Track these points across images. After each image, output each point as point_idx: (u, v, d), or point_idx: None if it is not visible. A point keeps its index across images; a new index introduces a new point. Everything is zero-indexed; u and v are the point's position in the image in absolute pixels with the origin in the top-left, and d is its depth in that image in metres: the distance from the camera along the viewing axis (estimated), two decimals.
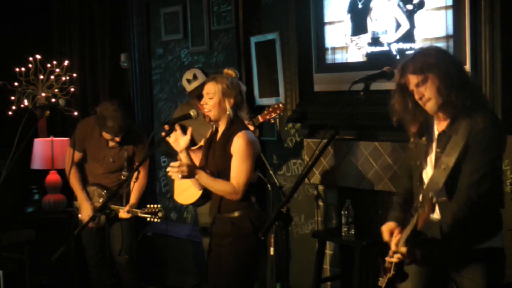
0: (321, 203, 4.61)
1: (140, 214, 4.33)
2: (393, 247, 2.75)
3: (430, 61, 2.74)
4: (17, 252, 5.35)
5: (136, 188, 4.55)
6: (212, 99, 3.55)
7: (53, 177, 5.74)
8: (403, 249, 2.67)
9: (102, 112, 4.51)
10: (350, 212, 4.22)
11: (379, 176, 4.12)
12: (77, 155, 4.70)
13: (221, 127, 3.62)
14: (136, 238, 4.83)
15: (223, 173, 3.56)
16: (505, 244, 2.85)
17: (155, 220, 4.29)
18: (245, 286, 3.61)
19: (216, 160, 3.60)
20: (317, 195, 4.63)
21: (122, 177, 4.58)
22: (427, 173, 2.86)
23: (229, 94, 3.54)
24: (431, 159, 2.86)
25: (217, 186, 3.53)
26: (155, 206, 4.31)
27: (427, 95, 2.76)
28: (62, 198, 5.73)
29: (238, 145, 3.49)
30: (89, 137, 4.67)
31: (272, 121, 4.47)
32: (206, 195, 4.55)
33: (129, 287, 4.78)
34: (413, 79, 2.77)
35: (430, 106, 2.78)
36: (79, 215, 4.66)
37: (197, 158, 3.88)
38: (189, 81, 4.70)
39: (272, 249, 4.57)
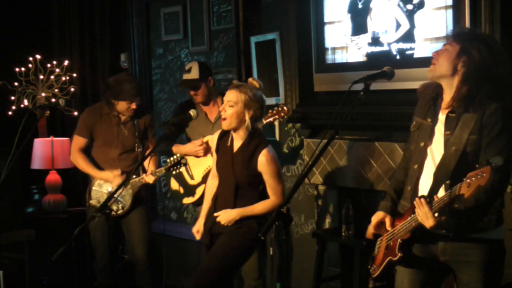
0: (321, 203, 4.61)
1: (164, 170, 4.42)
2: (425, 217, 2.68)
3: (467, 37, 2.76)
4: (17, 252, 5.35)
5: (152, 160, 4.65)
6: (233, 108, 3.54)
7: (53, 177, 5.74)
8: (443, 218, 2.64)
9: (116, 79, 4.62)
10: (350, 212, 4.22)
11: (379, 176, 4.11)
12: (82, 141, 4.69)
13: (237, 138, 3.62)
14: (150, 240, 4.81)
15: (242, 185, 3.60)
16: (504, 243, 2.85)
17: (181, 169, 4.38)
18: (230, 267, 3.68)
19: (236, 173, 3.61)
20: (317, 195, 4.63)
21: (136, 148, 4.64)
22: (433, 154, 2.84)
23: (251, 106, 3.54)
24: (433, 143, 2.84)
25: (260, 210, 3.65)
26: (174, 157, 4.35)
27: (438, 56, 2.80)
28: (62, 198, 5.73)
29: (268, 164, 3.57)
30: (98, 121, 4.67)
31: (276, 123, 4.47)
32: None
33: (146, 284, 4.78)
34: (449, 41, 2.82)
35: (432, 69, 2.81)
36: (112, 185, 4.61)
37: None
38: (185, 70, 4.69)
39: (272, 249, 4.57)
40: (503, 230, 2.84)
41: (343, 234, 4.22)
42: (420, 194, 2.81)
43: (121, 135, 4.64)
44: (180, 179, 4.78)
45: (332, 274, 4.55)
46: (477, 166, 2.52)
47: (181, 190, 4.79)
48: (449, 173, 2.72)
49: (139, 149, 4.63)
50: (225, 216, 3.61)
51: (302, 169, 4.72)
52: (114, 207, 4.56)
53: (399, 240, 2.85)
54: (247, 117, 3.53)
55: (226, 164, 3.63)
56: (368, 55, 4.17)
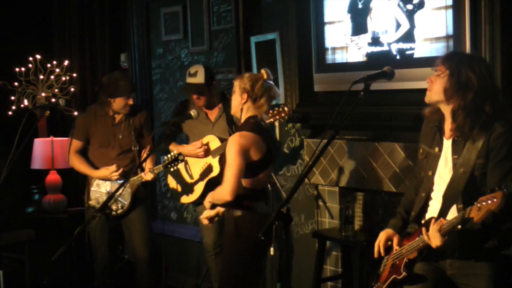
0: (321, 203, 4.61)
1: (163, 168, 4.43)
2: (433, 235, 2.69)
3: (455, 61, 2.78)
4: (17, 252, 5.35)
5: (150, 158, 4.67)
6: (234, 94, 3.59)
7: (53, 177, 5.74)
8: (445, 238, 2.65)
9: (110, 78, 4.65)
10: (350, 212, 4.22)
11: (379, 176, 4.11)
12: (79, 144, 4.74)
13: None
14: (150, 239, 4.82)
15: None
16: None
17: (179, 165, 4.36)
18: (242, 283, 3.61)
19: (222, 166, 3.61)
20: (317, 195, 4.63)
21: (133, 148, 4.64)
22: (438, 184, 2.86)
23: (243, 89, 3.55)
24: (440, 170, 2.86)
25: (215, 197, 3.57)
26: (171, 154, 4.36)
27: (432, 79, 2.83)
28: (62, 198, 5.73)
29: (229, 145, 3.49)
30: (94, 123, 4.70)
31: (276, 123, 4.47)
32: (206, 193, 4.56)
33: (146, 283, 4.79)
34: (438, 66, 2.83)
35: (428, 95, 2.84)
36: (110, 183, 4.65)
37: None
38: (189, 73, 4.69)
39: (272, 249, 4.56)
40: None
41: (343, 234, 4.22)
42: (427, 217, 2.83)
43: (117, 135, 4.65)
44: (178, 177, 4.78)
45: (332, 274, 4.55)
46: (488, 190, 2.53)
47: (179, 188, 4.79)
48: (458, 194, 2.73)
49: (135, 148, 4.64)
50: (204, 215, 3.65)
51: (302, 169, 4.72)
52: (114, 207, 4.57)
53: (405, 259, 2.85)
54: (242, 101, 3.56)
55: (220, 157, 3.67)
56: (368, 55, 4.17)
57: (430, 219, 2.75)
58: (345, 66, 4.30)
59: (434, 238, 2.67)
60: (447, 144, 2.86)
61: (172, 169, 4.53)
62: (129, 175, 4.35)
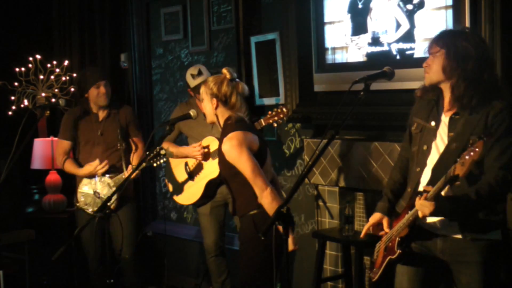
0: (321, 203, 4.61)
1: (145, 163, 4.34)
2: (421, 203, 2.67)
3: (448, 37, 2.78)
4: (17, 252, 5.35)
5: (136, 155, 4.69)
6: (203, 102, 3.55)
7: (53, 177, 5.74)
8: (432, 203, 2.63)
9: (79, 74, 4.86)
10: (350, 212, 4.22)
11: (379, 176, 4.11)
12: (66, 144, 4.74)
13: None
14: (136, 239, 4.82)
15: (229, 179, 3.51)
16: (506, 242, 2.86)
17: (162, 161, 4.35)
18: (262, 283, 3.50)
19: (220, 168, 3.58)
20: (317, 195, 4.63)
21: (119, 146, 4.62)
22: (432, 158, 2.85)
23: (211, 94, 3.49)
24: (436, 145, 2.84)
25: (267, 206, 3.40)
26: (154, 151, 4.32)
27: (429, 62, 2.83)
28: (62, 198, 5.73)
29: (230, 153, 3.40)
30: (78, 121, 4.72)
31: (275, 125, 4.46)
32: (207, 195, 4.56)
33: (130, 286, 4.78)
34: (432, 48, 2.82)
35: (428, 77, 2.83)
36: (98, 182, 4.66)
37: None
38: (193, 76, 4.68)
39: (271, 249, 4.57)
40: (504, 231, 2.84)
41: (343, 234, 4.23)
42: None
43: (102, 132, 4.66)
44: (176, 177, 4.76)
45: (332, 274, 4.55)
46: (470, 143, 2.52)
47: (170, 188, 4.80)
48: (448, 168, 2.69)
49: (121, 147, 4.62)
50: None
51: (302, 169, 4.72)
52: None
53: (397, 238, 2.85)
54: (212, 107, 3.50)
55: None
56: (368, 55, 4.17)
57: (421, 192, 2.72)
58: (345, 66, 4.30)
59: (422, 206, 2.65)
60: (445, 120, 2.85)
61: (154, 164, 4.46)
62: (129, 176, 4.33)
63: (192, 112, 3.78)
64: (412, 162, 2.96)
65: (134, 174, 4.09)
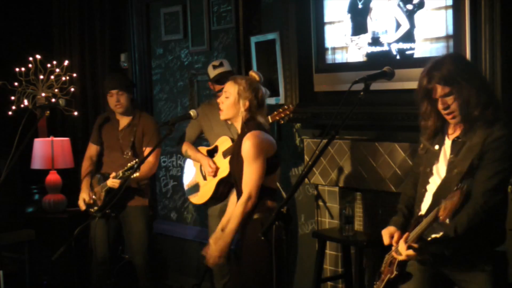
0: (321, 203, 4.61)
1: (121, 173, 4.37)
2: (401, 246, 2.71)
3: (460, 74, 2.73)
4: (17, 252, 5.35)
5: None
6: (228, 99, 3.53)
7: (53, 177, 5.74)
8: (415, 245, 2.65)
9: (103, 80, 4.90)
10: (350, 212, 4.22)
11: (379, 176, 4.11)
12: (93, 148, 4.85)
13: (237, 130, 3.60)
14: (149, 243, 4.81)
15: (239, 179, 3.50)
16: (506, 244, 2.85)
17: (136, 174, 4.22)
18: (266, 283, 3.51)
19: (233, 167, 3.57)
20: (317, 195, 4.63)
21: (124, 155, 4.64)
22: (434, 181, 2.86)
23: (245, 97, 3.50)
24: (437, 168, 2.85)
25: (234, 216, 3.43)
26: (131, 163, 4.31)
27: (452, 107, 2.76)
28: (62, 198, 5.73)
29: (246, 147, 3.42)
30: (105, 125, 4.79)
31: (282, 121, 4.46)
32: (217, 195, 4.54)
33: (143, 284, 4.80)
34: (439, 89, 2.76)
35: (453, 118, 2.79)
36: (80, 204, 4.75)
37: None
38: (214, 67, 4.65)
39: (272, 249, 4.56)
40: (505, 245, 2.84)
41: (343, 234, 4.22)
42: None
43: (121, 140, 4.68)
44: (195, 177, 4.75)
45: (332, 274, 4.55)
46: (455, 188, 2.54)
47: (193, 188, 4.77)
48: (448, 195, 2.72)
49: (126, 156, 4.63)
50: (211, 256, 3.53)
51: (302, 169, 4.72)
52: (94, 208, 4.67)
53: (398, 258, 2.84)
54: (242, 108, 3.52)
55: (231, 159, 3.63)
56: (368, 55, 4.17)
57: (418, 217, 2.73)
58: (345, 66, 4.30)
59: (403, 250, 2.68)
60: (448, 143, 2.86)
61: (133, 176, 4.39)
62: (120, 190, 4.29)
63: (192, 112, 3.77)
64: (418, 181, 2.98)
65: (116, 183, 4.31)
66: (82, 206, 4.71)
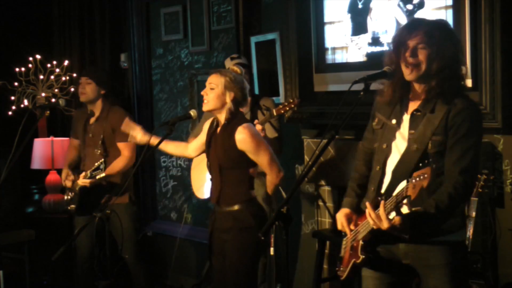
0: (321, 203, 4.61)
1: (89, 174, 4.36)
2: (381, 212, 2.62)
3: (441, 35, 2.69)
4: (17, 252, 5.35)
5: (114, 163, 4.56)
6: (214, 90, 3.56)
7: (53, 177, 5.74)
8: (397, 219, 2.57)
9: None
10: None
11: None
12: (73, 142, 4.86)
13: (221, 121, 3.63)
14: (137, 238, 4.83)
15: (225, 166, 3.57)
16: (503, 244, 2.84)
17: (101, 174, 4.27)
18: (251, 279, 3.62)
19: (218, 154, 3.60)
20: (317, 195, 4.63)
21: (95, 150, 4.59)
22: (392, 158, 2.80)
23: (231, 88, 3.55)
24: (396, 144, 2.80)
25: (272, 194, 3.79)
26: (97, 163, 4.31)
27: (420, 57, 2.69)
28: (62, 198, 5.72)
29: (246, 139, 3.51)
30: (78, 120, 4.77)
31: (287, 115, 4.45)
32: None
33: (137, 281, 4.79)
34: (415, 40, 2.70)
35: (412, 72, 2.72)
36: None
37: None
38: (232, 58, 4.60)
39: (272, 249, 4.56)
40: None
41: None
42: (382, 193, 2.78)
43: (91, 134, 4.67)
44: (200, 172, 4.74)
45: (332, 274, 4.55)
46: (420, 165, 2.50)
47: (193, 184, 4.76)
48: (408, 171, 2.66)
49: (97, 152, 4.58)
50: None
51: (302, 169, 4.72)
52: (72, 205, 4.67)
53: (360, 241, 2.79)
54: (228, 99, 3.55)
55: (212, 147, 3.65)
56: (368, 55, 4.17)
57: (379, 200, 2.68)
58: (345, 66, 4.30)
59: (381, 222, 2.60)
60: (406, 118, 2.80)
61: (98, 177, 4.37)
62: (128, 177, 4.29)
63: (192, 112, 3.78)
64: (373, 158, 2.92)
65: (86, 182, 4.37)
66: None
